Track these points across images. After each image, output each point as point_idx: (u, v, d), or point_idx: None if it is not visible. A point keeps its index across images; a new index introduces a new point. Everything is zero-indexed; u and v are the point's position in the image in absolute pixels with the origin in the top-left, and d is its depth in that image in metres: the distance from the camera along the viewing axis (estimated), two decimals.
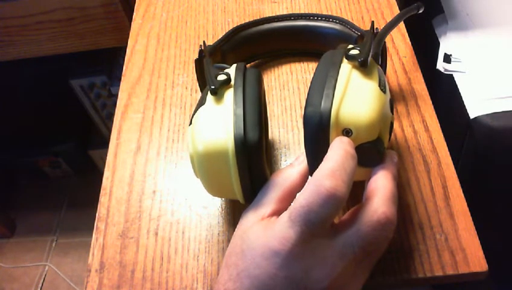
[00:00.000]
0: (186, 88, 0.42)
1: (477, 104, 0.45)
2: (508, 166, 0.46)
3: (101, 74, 0.90)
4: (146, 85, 0.43)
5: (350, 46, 0.28)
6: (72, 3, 0.65)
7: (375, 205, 0.24)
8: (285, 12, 0.46)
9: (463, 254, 0.30)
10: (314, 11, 0.47)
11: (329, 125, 0.24)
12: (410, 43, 0.42)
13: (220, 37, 0.39)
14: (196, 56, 0.35)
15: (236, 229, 0.27)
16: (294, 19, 0.40)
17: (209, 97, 0.28)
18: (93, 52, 0.73)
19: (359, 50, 0.27)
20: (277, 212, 0.26)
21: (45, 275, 1.06)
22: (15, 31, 0.69)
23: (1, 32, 0.69)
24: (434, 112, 0.37)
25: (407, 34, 0.43)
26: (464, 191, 0.33)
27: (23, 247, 1.11)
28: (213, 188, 0.29)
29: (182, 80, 0.43)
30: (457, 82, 0.47)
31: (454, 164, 0.34)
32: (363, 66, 0.26)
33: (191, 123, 0.28)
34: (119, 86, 0.43)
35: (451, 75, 0.48)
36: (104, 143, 0.39)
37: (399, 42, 0.43)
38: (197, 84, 0.38)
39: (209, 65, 0.31)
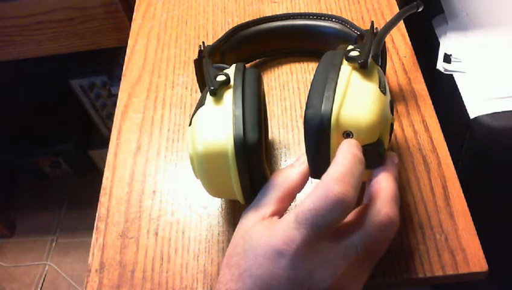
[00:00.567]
0: (186, 88, 0.42)
1: (477, 104, 0.45)
2: (508, 166, 0.46)
3: (101, 74, 0.90)
4: (146, 85, 0.43)
5: (350, 47, 0.28)
6: (72, 3, 0.65)
7: (378, 207, 0.24)
8: (285, 12, 0.46)
9: (463, 254, 0.30)
10: (314, 11, 0.47)
11: (330, 128, 0.25)
12: (410, 43, 0.42)
13: (219, 37, 0.39)
14: (196, 56, 0.35)
15: (236, 229, 0.27)
16: (294, 18, 0.40)
17: (209, 98, 0.28)
18: (93, 52, 0.73)
19: (359, 51, 0.27)
20: (278, 213, 0.26)
21: (45, 275, 1.06)
22: (15, 31, 0.69)
23: (1, 32, 0.69)
24: (434, 112, 0.37)
25: (407, 34, 0.43)
26: (463, 191, 0.33)
27: (23, 247, 1.11)
28: (213, 188, 0.29)
29: (182, 80, 0.43)
30: (457, 82, 0.47)
31: (454, 164, 0.34)
32: (363, 67, 0.26)
33: (190, 124, 0.28)
34: (119, 86, 0.43)
35: (451, 75, 0.48)
36: (104, 143, 0.39)
37: (399, 42, 0.43)
38: (197, 84, 0.38)
39: (208, 65, 0.31)
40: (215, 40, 0.39)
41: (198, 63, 0.35)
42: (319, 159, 0.26)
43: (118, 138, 0.39)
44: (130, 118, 0.40)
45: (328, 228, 0.23)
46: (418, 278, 0.30)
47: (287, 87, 0.41)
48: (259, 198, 0.27)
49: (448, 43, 0.51)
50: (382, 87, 0.26)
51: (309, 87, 0.26)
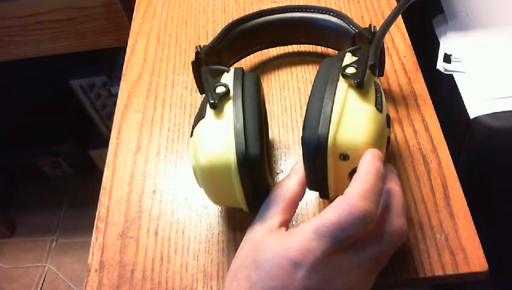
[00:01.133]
0: (186, 88, 0.42)
1: (477, 104, 0.45)
2: (508, 166, 0.46)
3: (101, 73, 0.90)
4: (146, 85, 0.43)
5: (347, 58, 0.28)
6: (72, 3, 0.65)
7: (391, 219, 0.26)
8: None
9: (463, 254, 0.30)
10: None
11: (327, 150, 0.25)
12: (410, 43, 0.42)
13: (216, 35, 0.38)
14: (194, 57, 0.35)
15: (243, 243, 0.27)
16: (291, 11, 0.40)
17: (209, 110, 0.28)
18: (93, 52, 0.73)
19: (355, 68, 0.27)
20: (284, 223, 0.27)
21: (45, 275, 1.06)
22: (15, 31, 0.69)
23: (1, 32, 0.69)
24: (434, 112, 0.37)
25: (407, 34, 0.43)
26: (464, 191, 0.33)
27: (23, 247, 1.11)
28: (216, 198, 0.30)
29: (181, 80, 0.43)
30: (457, 82, 0.47)
31: (454, 163, 0.34)
32: (359, 87, 0.26)
33: (192, 135, 0.28)
34: (119, 86, 0.43)
35: (451, 75, 0.48)
36: (104, 143, 0.39)
37: (399, 42, 0.43)
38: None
39: (206, 74, 0.31)
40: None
41: (195, 65, 0.34)
42: (316, 177, 0.27)
43: (118, 138, 0.39)
44: (130, 117, 0.40)
45: (347, 241, 0.24)
46: (418, 278, 0.30)
47: (287, 86, 0.41)
48: (264, 211, 0.27)
49: (448, 43, 0.51)
50: (378, 105, 0.27)
51: (308, 94, 0.27)
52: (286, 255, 0.23)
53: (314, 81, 0.28)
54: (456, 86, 0.47)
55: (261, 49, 0.42)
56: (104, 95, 0.95)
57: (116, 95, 0.42)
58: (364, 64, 0.27)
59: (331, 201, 0.25)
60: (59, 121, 1.07)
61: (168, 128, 0.39)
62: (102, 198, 0.35)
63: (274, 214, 0.27)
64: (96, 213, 0.35)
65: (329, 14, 0.38)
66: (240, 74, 0.29)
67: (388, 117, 0.28)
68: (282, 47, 0.44)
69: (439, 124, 0.36)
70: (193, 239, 0.33)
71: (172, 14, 0.49)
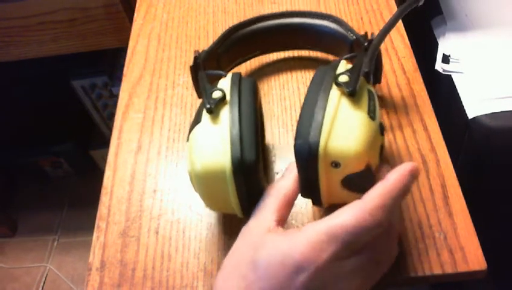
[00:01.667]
0: (187, 88, 0.42)
1: (476, 105, 0.45)
2: (506, 165, 0.47)
3: (102, 74, 0.90)
4: (147, 85, 0.43)
5: (341, 68, 0.28)
6: (74, 4, 0.65)
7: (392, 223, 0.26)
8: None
9: (462, 253, 0.30)
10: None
11: (318, 158, 0.25)
12: (409, 43, 0.43)
13: (215, 40, 0.38)
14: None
15: (238, 242, 0.27)
16: (290, 16, 0.40)
17: (205, 115, 0.28)
18: (94, 52, 0.74)
19: (349, 76, 0.27)
20: (281, 222, 0.26)
21: (46, 274, 1.06)
22: (17, 32, 0.69)
23: (3, 33, 0.69)
24: (433, 112, 0.37)
25: (406, 35, 0.43)
26: (462, 191, 0.33)
27: (25, 247, 1.11)
28: (211, 203, 0.30)
29: (182, 80, 0.43)
30: (455, 82, 0.48)
31: (453, 163, 0.34)
32: (351, 95, 0.26)
33: (188, 140, 0.29)
34: (120, 86, 0.43)
35: (450, 75, 0.49)
36: (105, 143, 0.40)
37: (398, 43, 0.43)
38: None
39: (204, 80, 0.31)
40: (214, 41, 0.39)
41: (193, 70, 0.34)
42: (308, 184, 0.27)
43: (119, 138, 0.39)
44: (131, 118, 0.41)
45: (355, 246, 0.23)
46: (417, 277, 0.30)
47: (287, 87, 0.41)
48: (259, 210, 0.27)
49: (446, 43, 0.51)
50: (371, 112, 0.27)
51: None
52: (290, 253, 0.23)
53: (308, 89, 0.28)
54: (455, 86, 0.47)
55: (260, 54, 0.42)
56: (105, 95, 0.95)
57: (117, 96, 0.42)
58: (358, 73, 0.27)
59: (325, 209, 0.25)
60: (60, 121, 1.08)
61: (168, 128, 0.40)
62: (104, 198, 0.36)
63: (270, 213, 0.26)
64: (97, 213, 0.35)
65: (328, 20, 0.38)
66: (237, 79, 0.30)
67: (381, 125, 0.28)
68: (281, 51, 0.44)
69: (437, 124, 0.37)
70: (193, 238, 0.33)
71: (173, 15, 0.49)
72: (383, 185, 0.24)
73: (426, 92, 0.39)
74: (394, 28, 0.44)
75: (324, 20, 0.39)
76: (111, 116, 0.98)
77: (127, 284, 0.31)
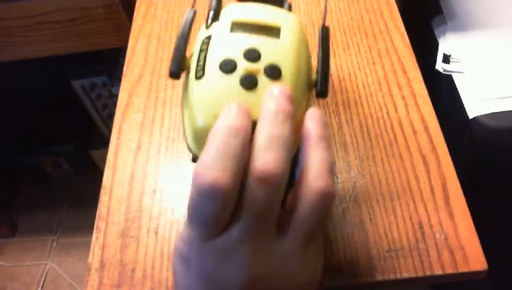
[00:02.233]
0: None
1: (476, 105, 0.45)
2: (506, 165, 0.46)
3: (101, 74, 0.90)
4: (146, 85, 0.43)
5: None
6: (73, 4, 0.65)
7: (309, 183, 0.20)
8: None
9: (463, 253, 0.30)
10: (313, 11, 0.47)
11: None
12: (409, 43, 0.42)
13: None
14: None
15: None
16: None
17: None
18: (94, 52, 0.73)
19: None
20: None
21: (46, 274, 1.06)
22: (17, 32, 0.69)
23: (3, 33, 0.69)
24: (433, 112, 0.37)
25: (406, 34, 0.43)
26: (463, 191, 0.33)
27: (25, 246, 1.11)
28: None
29: (182, 80, 0.43)
30: (456, 82, 0.48)
31: (453, 163, 0.34)
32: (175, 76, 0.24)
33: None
34: (119, 86, 0.43)
35: (450, 75, 0.48)
36: (105, 143, 0.39)
37: (398, 42, 0.43)
38: None
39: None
40: None
41: None
42: None
43: (119, 138, 0.39)
44: (131, 117, 0.40)
45: (215, 220, 0.20)
46: (417, 277, 0.30)
47: None
48: None
49: (447, 43, 0.51)
50: (199, 71, 0.24)
51: None
52: (176, 246, 0.22)
53: None
54: (455, 86, 0.47)
55: None
56: (105, 95, 0.95)
57: (117, 96, 0.42)
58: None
59: None
60: (60, 121, 1.07)
61: (168, 128, 0.39)
62: (103, 198, 0.36)
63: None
64: (97, 213, 0.35)
65: None
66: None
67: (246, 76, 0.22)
68: None
69: (438, 124, 0.37)
70: None
71: (172, 14, 0.49)
72: (207, 141, 0.20)
73: (426, 92, 0.39)
74: (394, 28, 0.44)
75: None
76: (111, 117, 0.98)
77: (126, 285, 0.31)
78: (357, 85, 0.40)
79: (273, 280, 0.21)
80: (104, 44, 0.71)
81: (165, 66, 0.44)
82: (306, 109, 0.23)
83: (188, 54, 0.25)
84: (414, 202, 0.33)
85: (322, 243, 0.23)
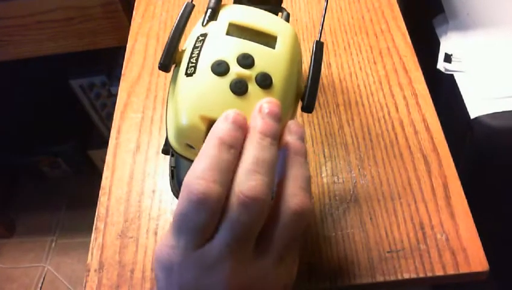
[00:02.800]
0: None
1: (478, 104, 0.45)
2: (508, 165, 0.46)
3: (100, 73, 0.90)
4: (145, 84, 0.42)
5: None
6: (72, 3, 0.65)
7: (286, 200, 0.21)
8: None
9: (464, 254, 0.30)
10: (314, 11, 0.47)
11: (176, 150, 0.24)
12: (410, 42, 0.42)
13: None
14: None
15: None
16: None
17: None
18: (92, 52, 0.73)
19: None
20: None
21: (44, 275, 1.06)
22: (15, 31, 0.69)
23: (2, 32, 0.69)
24: (435, 112, 0.37)
25: (407, 34, 0.43)
26: (464, 191, 0.33)
27: (23, 247, 1.10)
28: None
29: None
30: (457, 82, 0.47)
31: (454, 163, 0.34)
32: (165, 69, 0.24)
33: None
34: (118, 85, 0.43)
35: (452, 74, 0.48)
36: (104, 143, 0.39)
37: (399, 41, 0.42)
38: None
39: None
40: None
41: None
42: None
43: (118, 138, 0.39)
44: (130, 117, 0.40)
45: (202, 230, 0.20)
46: (419, 278, 0.29)
47: None
48: None
49: (448, 42, 0.50)
50: (190, 68, 0.23)
51: None
52: (158, 257, 0.22)
53: None
54: (457, 85, 0.47)
55: None
56: (103, 95, 0.95)
57: (115, 95, 0.42)
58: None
59: None
60: (58, 121, 1.07)
61: None
62: (102, 198, 0.35)
63: None
64: (96, 213, 0.35)
65: None
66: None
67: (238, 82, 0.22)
68: None
69: (439, 124, 0.36)
70: None
71: (172, 13, 0.49)
72: (199, 153, 0.21)
73: (428, 92, 0.39)
74: (395, 27, 0.44)
75: None
76: (109, 116, 0.98)
77: (125, 286, 0.31)
78: (358, 85, 0.40)
79: None
80: (102, 43, 0.71)
81: None
82: (291, 118, 0.23)
83: (179, 47, 0.25)
84: (415, 202, 0.32)
85: (298, 249, 0.24)
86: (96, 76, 0.90)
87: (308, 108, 0.24)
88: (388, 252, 0.30)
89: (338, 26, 0.45)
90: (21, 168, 1.15)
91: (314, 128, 0.37)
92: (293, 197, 0.21)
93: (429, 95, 0.38)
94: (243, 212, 0.20)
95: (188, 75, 0.23)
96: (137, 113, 0.40)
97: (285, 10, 0.28)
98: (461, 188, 0.33)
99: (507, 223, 0.51)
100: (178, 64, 0.24)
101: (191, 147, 0.23)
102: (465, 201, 0.32)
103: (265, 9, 0.26)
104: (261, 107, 0.22)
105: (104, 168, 0.37)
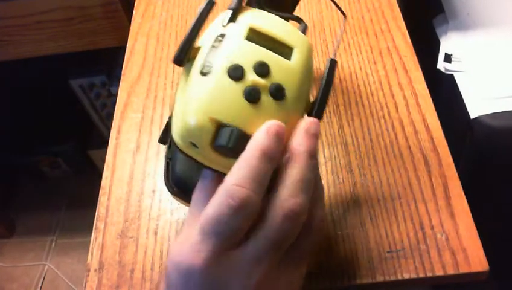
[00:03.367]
0: None
1: (478, 104, 0.45)
2: (508, 166, 0.46)
3: (100, 73, 0.90)
4: (145, 84, 0.42)
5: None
6: (72, 2, 0.65)
7: (281, 198, 0.22)
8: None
9: (464, 254, 0.30)
10: (314, 11, 0.47)
11: (180, 148, 0.23)
12: (410, 42, 0.42)
13: None
14: None
15: None
16: None
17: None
18: (92, 51, 0.73)
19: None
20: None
21: (45, 275, 1.06)
22: (15, 31, 0.69)
23: (2, 32, 0.69)
24: (435, 112, 0.37)
25: (407, 34, 0.43)
26: (464, 191, 0.33)
27: (23, 247, 1.11)
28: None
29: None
30: (457, 82, 0.47)
31: (454, 163, 0.34)
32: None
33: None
34: (118, 85, 0.43)
35: (452, 74, 0.48)
36: (104, 143, 0.39)
37: (399, 41, 0.42)
38: None
39: None
40: None
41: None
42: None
43: (118, 138, 0.39)
44: (130, 117, 0.40)
45: (234, 235, 0.21)
46: (419, 278, 0.29)
47: None
48: None
49: (448, 42, 0.50)
50: (205, 67, 0.23)
51: None
52: (179, 261, 0.21)
53: None
54: (457, 85, 0.47)
55: None
56: (103, 95, 0.95)
57: (115, 95, 0.42)
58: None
59: None
60: (58, 121, 1.07)
61: None
62: (102, 198, 0.35)
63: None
64: (96, 213, 0.35)
65: None
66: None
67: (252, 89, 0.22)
68: None
69: (439, 124, 0.36)
70: None
71: (172, 13, 0.49)
72: (238, 160, 0.21)
73: (428, 92, 0.39)
74: (395, 27, 0.44)
75: None
76: (109, 116, 0.98)
77: (125, 285, 0.31)
78: (358, 85, 0.40)
79: None
80: (102, 43, 0.71)
81: (165, 65, 0.44)
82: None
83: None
84: (415, 202, 0.32)
85: (303, 257, 0.24)
86: (96, 76, 0.90)
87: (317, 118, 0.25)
88: (388, 252, 0.30)
89: (338, 26, 0.45)
90: (21, 168, 1.15)
91: None
92: (287, 198, 0.22)
93: (429, 95, 0.38)
94: (285, 224, 0.21)
95: (202, 74, 0.23)
96: (137, 113, 0.40)
97: (304, 22, 0.28)
98: (461, 188, 0.33)
99: (507, 223, 0.51)
100: (191, 61, 0.24)
101: (195, 146, 0.23)
102: (465, 201, 0.32)
103: (278, 15, 0.26)
104: (308, 127, 0.23)
105: (104, 168, 0.37)
